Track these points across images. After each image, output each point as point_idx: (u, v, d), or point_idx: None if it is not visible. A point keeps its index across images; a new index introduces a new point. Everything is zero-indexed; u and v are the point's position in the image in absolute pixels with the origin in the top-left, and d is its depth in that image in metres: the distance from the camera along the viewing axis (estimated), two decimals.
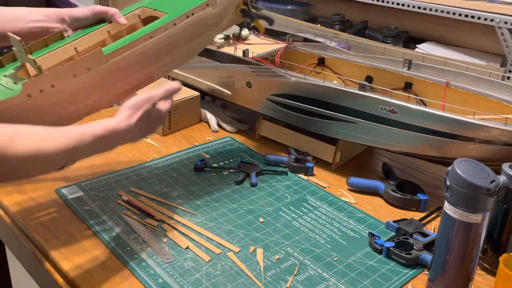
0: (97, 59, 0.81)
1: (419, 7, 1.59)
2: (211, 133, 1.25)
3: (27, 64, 0.81)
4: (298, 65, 1.20)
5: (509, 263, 0.70)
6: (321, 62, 1.29)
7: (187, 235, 0.86)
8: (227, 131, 1.26)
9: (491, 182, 0.68)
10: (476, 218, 0.69)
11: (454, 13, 1.51)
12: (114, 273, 0.77)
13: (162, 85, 0.85)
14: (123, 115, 0.78)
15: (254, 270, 0.79)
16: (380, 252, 0.85)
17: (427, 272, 0.81)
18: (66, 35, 0.90)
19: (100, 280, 0.76)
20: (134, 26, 0.97)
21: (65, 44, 0.87)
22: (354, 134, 1.02)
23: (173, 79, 1.33)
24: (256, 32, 1.41)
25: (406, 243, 0.85)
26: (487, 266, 0.83)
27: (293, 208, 0.96)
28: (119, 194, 0.96)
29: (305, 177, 1.07)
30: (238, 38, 1.34)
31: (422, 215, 0.96)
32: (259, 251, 0.83)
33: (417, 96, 1.11)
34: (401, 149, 0.99)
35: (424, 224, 0.92)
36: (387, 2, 1.66)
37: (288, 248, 0.85)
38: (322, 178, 1.07)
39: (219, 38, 1.30)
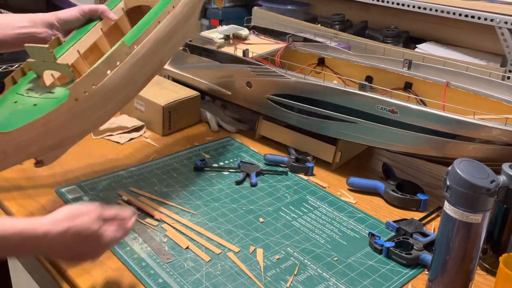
0: (123, 52, 0.83)
1: (419, 7, 1.59)
2: (211, 133, 1.25)
3: (44, 74, 0.82)
4: (298, 65, 1.20)
5: (509, 263, 0.70)
6: (321, 62, 1.29)
7: (187, 235, 0.86)
8: (227, 131, 1.26)
9: (491, 182, 0.68)
10: (476, 218, 0.69)
11: (454, 13, 1.51)
12: (114, 273, 0.77)
13: (114, 207, 0.72)
14: (58, 217, 0.64)
15: (254, 270, 0.79)
16: (380, 252, 0.85)
17: (427, 272, 0.81)
18: (63, 40, 0.90)
19: (100, 280, 0.76)
20: (121, 20, 0.99)
21: (68, 49, 0.88)
22: (354, 134, 1.02)
23: (174, 79, 1.33)
24: (256, 32, 1.41)
25: (406, 243, 0.85)
26: (487, 266, 0.83)
27: (293, 208, 0.96)
28: (119, 194, 0.96)
29: (305, 177, 1.07)
30: (238, 38, 1.34)
31: (422, 215, 0.96)
32: (259, 251, 0.83)
33: (417, 96, 1.11)
34: (401, 149, 0.99)
35: (424, 224, 0.92)
36: (387, 2, 1.66)
37: (288, 248, 0.85)
38: (322, 178, 1.07)
39: (219, 38, 1.31)
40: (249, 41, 1.36)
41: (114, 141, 1.16)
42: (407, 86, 1.13)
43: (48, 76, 0.84)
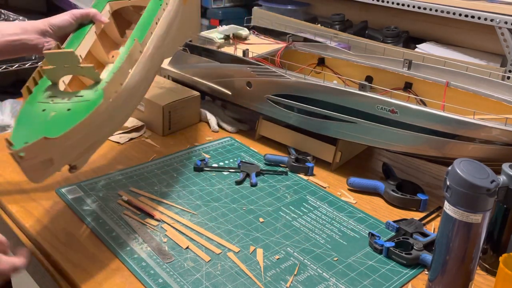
0: (138, 49, 0.85)
1: (419, 7, 1.59)
2: (211, 133, 1.25)
3: (61, 80, 0.82)
4: (298, 65, 1.20)
5: (509, 263, 0.70)
6: (321, 62, 1.29)
7: (187, 235, 0.86)
8: (227, 131, 1.26)
9: (491, 182, 0.68)
10: (476, 218, 0.69)
11: (454, 13, 1.51)
12: (114, 273, 0.77)
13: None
14: None
15: (254, 270, 0.79)
16: (380, 252, 0.85)
17: (427, 272, 0.81)
18: (62, 47, 0.90)
19: (100, 280, 0.76)
20: (107, 23, 1.02)
21: None
22: (354, 134, 1.02)
23: (174, 79, 1.33)
24: (256, 32, 1.41)
25: (406, 243, 0.85)
26: (487, 266, 0.83)
27: (293, 208, 0.96)
28: (119, 194, 0.96)
29: (305, 177, 1.07)
30: (238, 38, 1.34)
31: (422, 215, 0.96)
32: (259, 251, 0.83)
33: (417, 96, 1.11)
34: (401, 149, 0.99)
35: (424, 224, 0.92)
36: (387, 2, 1.66)
37: (288, 248, 0.85)
38: (322, 178, 1.07)
39: (219, 38, 1.31)
40: (249, 41, 1.36)
41: (114, 141, 1.16)
42: (407, 86, 1.13)
43: (60, 83, 0.84)
